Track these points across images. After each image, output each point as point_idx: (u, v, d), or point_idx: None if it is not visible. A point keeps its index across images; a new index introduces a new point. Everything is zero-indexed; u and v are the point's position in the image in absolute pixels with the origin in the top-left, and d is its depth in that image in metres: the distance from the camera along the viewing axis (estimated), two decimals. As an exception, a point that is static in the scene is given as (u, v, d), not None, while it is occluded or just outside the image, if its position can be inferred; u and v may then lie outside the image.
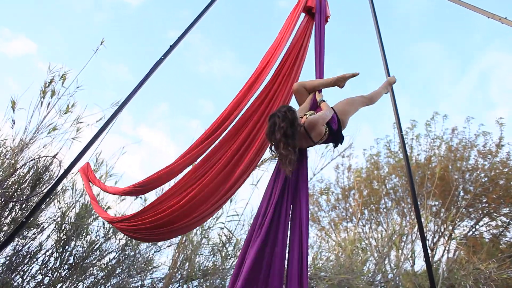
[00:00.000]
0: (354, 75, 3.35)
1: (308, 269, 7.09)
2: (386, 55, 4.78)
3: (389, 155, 12.49)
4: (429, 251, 9.44)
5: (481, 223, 11.51)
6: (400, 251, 8.42)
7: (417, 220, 3.92)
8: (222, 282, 6.75)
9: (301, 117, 3.08)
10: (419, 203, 10.87)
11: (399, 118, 4.37)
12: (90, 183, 3.96)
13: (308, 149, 3.19)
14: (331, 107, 3.20)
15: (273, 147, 2.82)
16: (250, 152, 3.10)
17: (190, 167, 3.29)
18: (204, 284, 6.88)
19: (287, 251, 2.65)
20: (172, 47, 3.90)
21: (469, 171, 11.32)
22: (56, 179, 3.59)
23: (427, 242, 9.87)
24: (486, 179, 11.08)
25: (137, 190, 3.48)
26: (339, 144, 3.28)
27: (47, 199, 4.91)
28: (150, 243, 7.03)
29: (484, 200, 11.08)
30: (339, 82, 3.36)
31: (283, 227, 2.67)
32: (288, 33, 3.85)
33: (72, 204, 6.49)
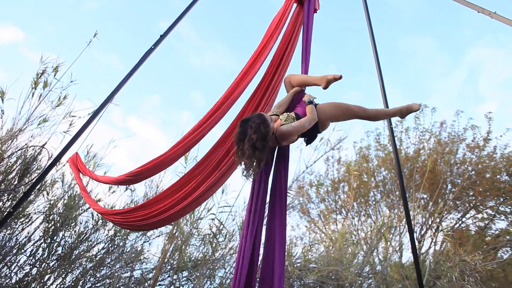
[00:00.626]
0: (335, 78, 3.12)
1: (299, 260, 7.20)
2: (378, 49, 4.79)
3: (379, 148, 12.59)
4: (416, 243, 9.59)
5: (467, 215, 11.71)
6: (388, 243, 8.53)
7: (405, 212, 3.97)
8: (213, 273, 6.78)
9: (276, 115, 3.06)
10: (407, 195, 11.04)
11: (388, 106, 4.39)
12: (81, 174, 3.93)
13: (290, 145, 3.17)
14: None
15: (239, 152, 2.74)
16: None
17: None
18: (194, 275, 6.90)
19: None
20: (162, 37, 3.87)
21: (457, 165, 11.47)
22: (44, 168, 3.55)
23: (414, 234, 10.03)
24: (473, 172, 11.24)
25: (129, 179, 3.47)
26: (309, 143, 3.25)
27: (35, 189, 4.86)
28: (140, 233, 7.03)
29: (471, 193, 11.25)
30: (322, 82, 3.19)
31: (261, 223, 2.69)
32: (281, 24, 3.84)
33: (61, 196, 6.45)
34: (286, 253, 7.13)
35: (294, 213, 11.32)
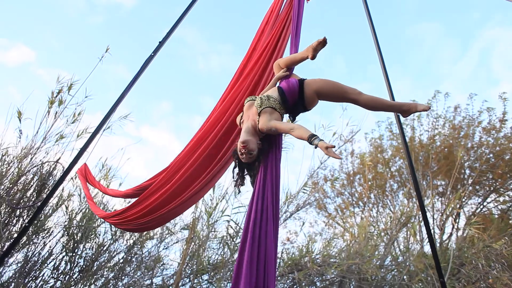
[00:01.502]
0: (320, 43, 2.98)
1: (318, 256, 7.17)
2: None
3: (392, 138, 12.44)
4: (436, 231, 9.45)
5: (488, 199, 11.47)
6: (409, 233, 8.42)
7: (419, 202, 3.91)
8: (231, 275, 6.80)
9: (252, 100, 3.03)
10: (425, 183, 10.88)
11: (393, 98, 4.34)
12: (89, 184, 4.00)
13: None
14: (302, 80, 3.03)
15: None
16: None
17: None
18: (214, 277, 6.94)
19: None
20: (161, 43, 3.89)
21: (473, 148, 11.25)
22: (55, 182, 3.62)
23: (435, 222, 9.89)
24: (491, 155, 11.01)
25: (137, 193, 3.51)
26: (294, 117, 3.15)
27: (49, 203, 4.95)
28: (158, 241, 7.11)
29: (491, 176, 11.03)
30: (308, 52, 3.05)
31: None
32: (274, 14, 3.84)
33: (79, 209, 6.56)
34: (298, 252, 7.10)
35: (310, 210, 11.26)
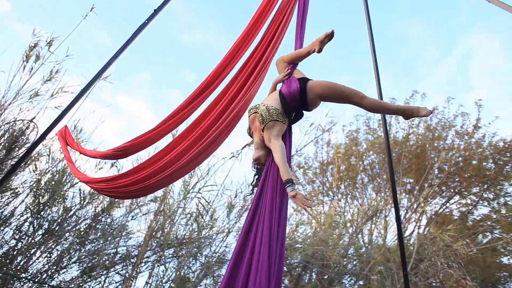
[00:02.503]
0: (328, 36, 2.95)
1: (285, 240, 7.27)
2: (374, 36, 4.75)
3: (368, 132, 12.64)
4: (401, 226, 9.76)
5: (451, 200, 11.91)
6: (373, 226, 8.67)
7: (393, 196, 4.00)
8: (199, 252, 6.83)
9: (255, 112, 3.00)
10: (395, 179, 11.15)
11: (382, 96, 4.38)
12: (68, 146, 3.90)
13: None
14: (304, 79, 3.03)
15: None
16: (227, 119, 3.02)
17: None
18: (180, 252, 6.96)
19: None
20: (156, 11, 3.78)
21: (445, 150, 11.59)
22: (33, 142, 3.50)
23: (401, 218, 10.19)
24: (460, 158, 11.38)
25: (117, 154, 3.46)
26: (295, 121, 3.14)
27: (23, 163, 4.79)
28: (127, 210, 7.04)
29: (457, 179, 11.42)
30: (315, 46, 3.03)
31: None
32: (274, 1, 3.75)
33: (48, 170, 6.39)
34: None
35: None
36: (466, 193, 11.68)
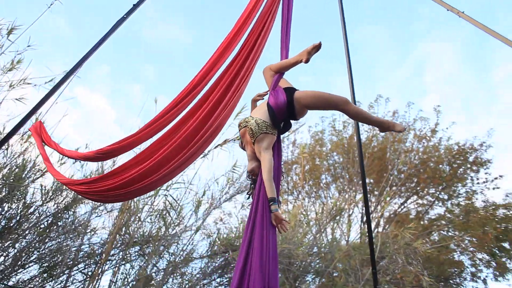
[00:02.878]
0: (315, 47, 3.03)
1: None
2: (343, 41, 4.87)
3: (333, 133, 12.95)
4: (366, 226, 10.07)
5: (409, 200, 12.46)
6: (336, 225, 8.89)
7: (364, 197, 4.14)
8: (165, 249, 6.73)
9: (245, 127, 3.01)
10: (355, 180, 11.51)
11: (355, 100, 4.51)
12: (44, 144, 3.69)
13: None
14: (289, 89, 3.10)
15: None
16: (213, 125, 3.02)
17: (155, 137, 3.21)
18: (147, 250, 6.83)
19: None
20: (136, 6, 3.68)
21: (404, 153, 12.09)
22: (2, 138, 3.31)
23: (360, 217, 10.54)
24: (418, 161, 11.92)
25: (99, 156, 3.34)
26: (285, 131, 3.22)
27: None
28: (90, 208, 6.81)
29: (415, 180, 11.95)
30: (302, 56, 3.09)
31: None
32: (259, 3, 3.73)
33: (6, 164, 6.06)
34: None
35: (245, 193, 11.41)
36: (422, 193, 12.25)
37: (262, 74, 3.35)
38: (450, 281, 10.89)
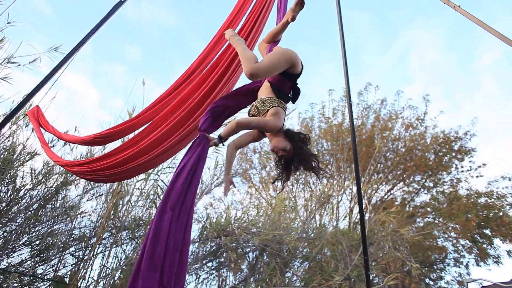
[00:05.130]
0: (297, 3, 3.04)
1: (238, 223, 7.41)
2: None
3: (322, 120, 13.04)
4: (353, 212, 10.25)
5: (395, 188, 12.70)
6: (326, 212, 9.03)
7: (357, 184, 4.20)
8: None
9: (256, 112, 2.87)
10: (342, 167, 11.66)
11: (350, 91, 4.55)
12: (42, 128, 3.65)
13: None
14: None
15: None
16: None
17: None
18: (137, 234, 6.84)
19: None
20: (132, -12, 3.61)
21: (392, 141, 12.27)
22: (3, 118, 3.25)
23: (348, 204, 10.71)
24: (404, 149, 12.13)
25: (97, 140, 3.33)
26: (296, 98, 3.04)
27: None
28: (81, 191, 6.77)
29: (402, 167, 12.16)
30: (288, 16, 3.09)
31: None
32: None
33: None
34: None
35: (236, 179, 11.48)
36: (409, 181, 12.50)
37: (259, 51, 3.29)
38: (434, 266, 11.23)
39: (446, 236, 11.40)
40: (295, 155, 2.63)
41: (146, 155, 2.84)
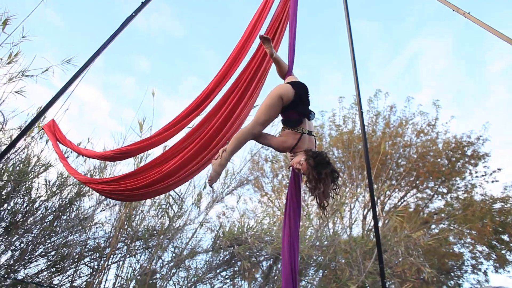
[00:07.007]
0: (261, 41, 3.30)
1: (252, 232, 7.39)
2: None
3: (332, 128, 13.00)
4: (367, 219, 10.16)
5: (408, 194, 12.56)
6: (339, 219, 8.95)
7: (370, 192, 4.18)
8: (171, 243, 6.78)
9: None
10: (354, 174, 11.58)
11: (360, 97, 4.55)
12: (59, 142, 3.70)
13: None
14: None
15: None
16: (234, 124, 3.06)
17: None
18: (151, 243, 6.87)
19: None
20: (144, 4, 3.68)
21: (403, 147, 12.17)
22: (19, 133, 3.32)
23: (361, 211, 10.62)
24: (416, 155, 12.01)
25: (116, 156, 3.39)
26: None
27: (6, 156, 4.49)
28: (94, 203, 6.83)
29: (414, 174, 12.04)
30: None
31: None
32: (269, 5, 3.75)
33: (10, 160, 6.07)
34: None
35: (248, 187, 11.48)
36: (422, 187, 12.35)
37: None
38: (452, 273, 11.03)
39: (462, 242, 11.21)
40: (312, 170, 2.66)
41: (169, 179, 2.89)
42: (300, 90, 2.88)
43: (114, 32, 3.48)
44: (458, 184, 12.04)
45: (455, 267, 11.14)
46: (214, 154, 2.94)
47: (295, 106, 2.84)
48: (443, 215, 11.55)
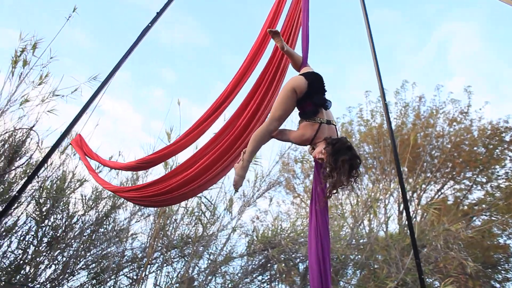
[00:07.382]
0: (270, 35, 3.33)
1: (286, 234, 7.35)
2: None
3: (361, 123, 12.78)
4: (403, 214, 9.91)
5: (446, 186, 12.14)
6: (372, 216, 8.78)
7: (400, 186, 4.08)
8: (206, 250, 6.85)
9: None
10: (387, 169, 11.32)
11: (383, 89, 4.45)
12: (87, 156, 3.86)
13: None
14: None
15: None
16: (256, 125, 3.08)
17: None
18: (186, 251, 6.97)
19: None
20: (158, 14, 3.76)
21: (435, 138, 11.80)
22: (49, 150, 3.47)
23: (397, 206, 10.36)
24: (449, 145, 11.61)
25: (141, 166, 3.50)
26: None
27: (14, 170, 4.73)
28: (129, 214, 7.01)
29: (450, 165, 11.64)
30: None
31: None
32: (282, 5, 3.75)
33: (48, 177, 6.33)
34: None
35: (279, 189, 11.45)
36: (459, 178, 11.92)
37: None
38: (498, 267, 10.55)
39: (507, 233, 10.71)
40: (330, 157, 2.56)
41: (192, 183, 2.94)
42: (313, 80, 2.83)
43: (132, 44, 3.57)
44: (498, 172, 11.52)
45: (502, 260, 10.65)
46: (237, 156, 2.96)
47: (310, 97, 2.79)
48: (484, 205, 11.08)
